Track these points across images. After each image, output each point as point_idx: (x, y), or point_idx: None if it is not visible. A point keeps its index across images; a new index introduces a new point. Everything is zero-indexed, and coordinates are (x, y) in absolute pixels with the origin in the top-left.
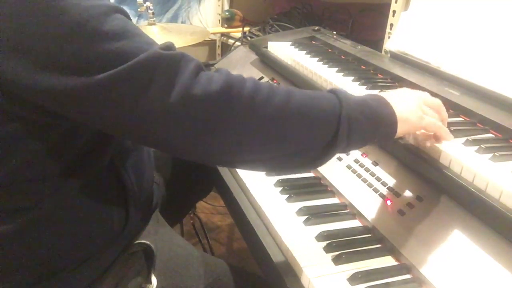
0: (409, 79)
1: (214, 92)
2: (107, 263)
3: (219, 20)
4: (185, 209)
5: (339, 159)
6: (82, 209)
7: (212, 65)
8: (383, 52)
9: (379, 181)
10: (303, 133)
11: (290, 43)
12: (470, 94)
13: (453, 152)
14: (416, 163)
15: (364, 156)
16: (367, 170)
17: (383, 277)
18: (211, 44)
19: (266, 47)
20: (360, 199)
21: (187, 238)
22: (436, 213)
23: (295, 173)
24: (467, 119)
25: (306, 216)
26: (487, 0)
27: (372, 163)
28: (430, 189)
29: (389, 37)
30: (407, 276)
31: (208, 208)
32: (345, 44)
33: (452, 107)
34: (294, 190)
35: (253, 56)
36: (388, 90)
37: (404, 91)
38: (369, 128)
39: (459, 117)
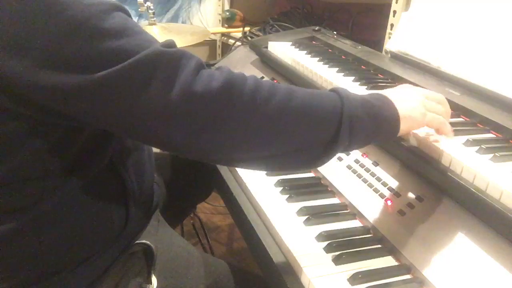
0: (410, 79)
1: (215, 90)
2: (107, 263)
3: (220, 20)
4: (186, 211)
5: (339, 159)
6: (82, 208)
7: (213, 65)
8: (383, 52)
9: (379, 181)
10: (304, 131)
11: (291, 43)
12: (471, 94)
13: (454, 152)
14: (416, 163)
15: (365, 156)
16: (367, 170)
17: (383, 277)
18: (211, 44)
19: (267, 47)
20: (361, 199)
21: (187, 238)
22: (436, 214)
23: (296, 172)
24: (468, 119)
25: (306, 216)
26: (487, 0)
27: (372, 163)
28: (430, 189)
29: (389, 37)
30: (407, 276)
31: (208, 208)
32: (346, 44)
33: (453, 107)
34: (294, 190)
35: (254, 56)
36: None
37: (405, 87)
38: (371, 126)
39: (459, 117)
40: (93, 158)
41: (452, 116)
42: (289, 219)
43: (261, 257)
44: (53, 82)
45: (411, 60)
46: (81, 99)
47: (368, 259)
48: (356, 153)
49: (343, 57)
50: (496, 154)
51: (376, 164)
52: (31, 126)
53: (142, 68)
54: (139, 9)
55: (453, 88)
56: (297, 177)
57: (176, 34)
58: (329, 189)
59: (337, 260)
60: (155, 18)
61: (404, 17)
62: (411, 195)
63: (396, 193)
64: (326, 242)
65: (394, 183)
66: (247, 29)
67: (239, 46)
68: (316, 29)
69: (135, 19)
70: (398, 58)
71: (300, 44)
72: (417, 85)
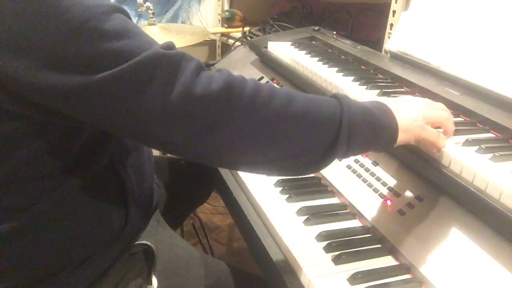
0: (409, 79)
1: (214, 92)
2: (107, 263)
3: (219, 20)
4: (185, 213)
5: (339, 159)
6: (82, 208)
7: (212, 65)
8: (383, 52)
9: (379, 181)
10: (303, 136)
11: (290, 43)
12: (470, 94)
13: (453, 152)
14: (416, 163)
15: (364, 156)
16: (367, 170)
17: (383, 277)
18: (211, 44)
19: (266, 47)
20: (360, 199)
21: (187, 238)
22: (436, 213)
23: (295, 176)
24: (467, 119)
25: (306, 216)
26: (487, 0)
27: (372, 163)
28: (430, 189)
29: (389, 37)
30: (407, 276)
31: (208, 208)
32: (345, 44)
33: (452, 107)
34: (294, 190)
35: (253, 56)
36: (388, 90)
37: (406, 98)
38: (369, 134)
39: (459, 117)
40: (92, 158)
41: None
42: (289, 219)
43: (261, 257)
44: (53, 83)
45: (411, 60)
46: (81, 100)
47: (368, 259)
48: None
49: (342, 57)
50: (495, 153)
51: (375, 164)
52: (31, 126)
53: (142, 70)
54: (139, 9)
55: (452, 88)
56: (297, 177)
57: (176, 34)
58: (329, 189)
59: (337, 260)
60: (154, 18)
61: (404, 17)
62: (410, 195)
63: (395, 193)
64: (326, 242)
65: (393, 183)
66: (246, 29)
67: (238, 46)
68: (316, 29)
69: (134, 19)
70: (398, 58)
71: (299, 44)
72: (416, 85)
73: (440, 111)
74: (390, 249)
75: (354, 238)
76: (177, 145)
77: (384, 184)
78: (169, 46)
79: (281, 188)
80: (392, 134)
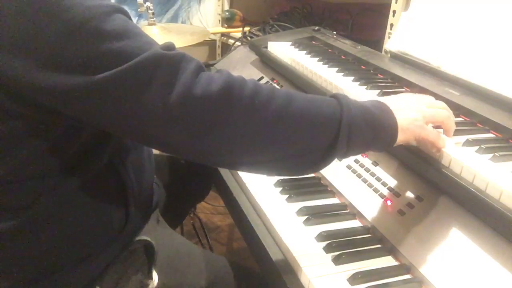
0: (409, 79)
1: (214, 93)
2: (108, 260)
3: (219, 20)
4: (184, 211)
5: (339, 159)
6: (81, 207)
7: (212, 65)
8: (383, 52)
9: (379, 181)
10: (302, 136)
11: (290, 43)
12: (470, 94)
13: (453, 152)
14: (416, 163)
15: (364, 156)
16: (367, 170)
17: (383, 277)
18: (211, 44)
19: (266, 47)
20: (360, 199)
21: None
22: (436, 213)
23: (295, 176)
24: (467, 119)
25: (306, 216)
26: (487, 0)
27: (372, 163)
28: (430, 189)
29: (389, 37)
30: (407, 276)
31: (208, 208)
32: (345, 44)
33: (452, 107)
34: (294, 190)
35: (253, 56)
36: (388, 90)
37: (407, 97)
38: (369, 134)
39: (459, 117)
40: (92, 157)
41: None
42: (289, 219)
43: (261, 257)
44: (53, 83)
45: (411, 60)
46: (81, 100)
47: (368, 259)
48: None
49: (342, 57)
50: (496, 154)
51: (375, 164)
52: (31, 125)
53: (142, 70)
54: (139, 9)
55: (453, 88)
56: (297, 177)
57: (176, 34)
58: (329, 189)
59: (337, 260)
60: (154, 18)
61: (404, 17)
62: (410, 195)
63: (395, 193)
64: (326, 242)
65: (393, 183)
66: (246, 29)
67: (238, 46)
68: (316, 29)
69: (134, 19)
70: (398, 58)
71: (299, 44)
72: (416, 85)
73: (441, 110)
74: (390, 249)
75: (354, 238)
76: (177, 145)
77: (384, 184)
78: (169, 46)
79: (281, 188)
80: (392, 134)
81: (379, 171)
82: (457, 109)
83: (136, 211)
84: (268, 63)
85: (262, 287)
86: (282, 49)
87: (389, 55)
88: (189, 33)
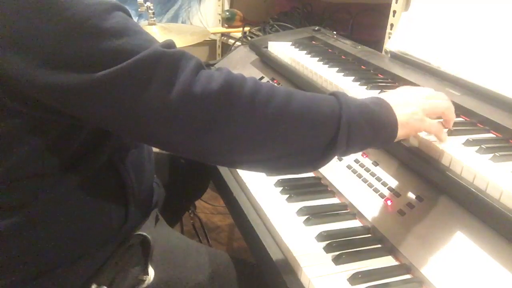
0: (409, 79)
1: (214, 90)
2: (105, 257)
3: (219, 20)
4: (183, 208)
5: (339, 159)
6: (81, 206)
7: (212, 65)
8: (383, 52)
9: (379, 181)
10: (302, 134)
11: (291, 43)
12: (471, 94)
13: (454, 152)
14: (416, 163)
15: (364, 156)
16: (367, 170)
17: (383, 277)
18: (211, 44)
19: (266, 47)
20: (360, 199)
21: None
22: (436, 213)
23: (294, 174)
24: (468, 119)
25: (306, 216)
26: (487, 0)
27: (372, 163)
28: (430, 189)
29: (389, 37)
30: (407, 276)
31: (208, 208)
32: (345, 44)
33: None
34: (294, 190)
35: (253, 56)
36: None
37: (406, 91)
38: (369, 132)
39: (459, 117)
40: (91, 156)
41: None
42: (289, 219)
43: (261, 257)
44: (53, 81)
45: (411, 60)
46: (81, 98)
47: (368, 259)
48: (356, 153)
49: (343, 57)
50: (496, 154)
51: (376, 164)
52: (30, 123)
53: (142, 68)
54: (139, 9)
55: (453, 88)
56: (297, 177)
57: (176, 34)
58: (329, 189)
59: (337, 260)
60: (155, 18)
61: (404, 17)
62: (411, 195)
63: (396, 193)
64: (326, 242)
65: (394, 183)
66: (247, 29)
67: (239, 46)
68: (316, 29)
69: (135, 19)
70: (398, 58)
71: (300, 44)
72: (417, 85)
73: (440, 101)
74: (390, 249)
75: (354, 238)
76: (176, 143)
77: (384, 184)
78: (169, 44)
79: (281, 188)
80: (391, 130)
81: (379, 171)
82: (457, 109)
83: (135, 210)
84: (268, 63)
85: (264, 281)
86: (282, 49)
87: (389, 55)
88: (189, 33)
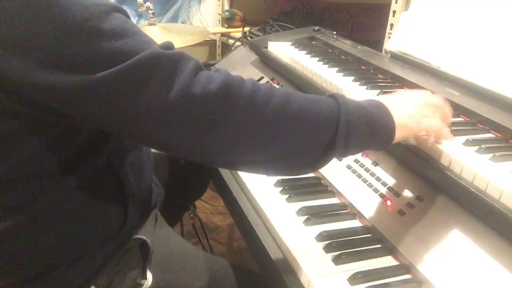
0: (409, 79)
1: (212, 92)
2: (104, 259)
3: (219, 20)
4: (182, 209)
5: (339, 159)
6: (80, 206)
7: (212, 65)
8: (383, 52)
9: (379, 181)
10: (301, 136)
11: (290, 43)
12: (470, 94)
13: (453, 152)
14: (416, 163)
15: (364, 156)
16: (367, 170)
17: (383, 277)
18: (211, 44)
19: (266, 47)
20: (360, 199)
21: (187, 238)
22: (436, 213)
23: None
24: (467, 119)
25: (306, 216)
26: (487, 0)
27: (372, 163)
28: (430, 189)
29: (389, 37)
30: (407, 276)
31: (208, 208)
32: (345, 44)
33: (453, 107)
34: (294, 190)
35: (253, 56)
36: (388, 90)
37: (403, 94)
38: (367, 133)
39: (459, 117)
40: (90, 157)
41: (452, 116)
42: (289, 219)
43: (261, 257)
44: (52, 82)
45: (411, 60)
46: (80, 99)
47: (368, 259)
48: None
49: (343, 57)
50: (496, 154)
51: (376, 164)
52: (30, 124)
53: (140, 69)
54: (139, 9)
55: (453, 88)
56: (297, 177)
57: (176, 34)
58: (329, 189)
59: (337, 260)
60: (154, 18)
61: (404, 17)
62: (410, 195)
63: (395, 193)
64: (326, 242)
65: (393, 183)
66: (247, 29)
67: (239, 46)
68: (316, 29)
69: (134, 19)
70: (398, 58)
71: (300, 44)
72: (416, 85)
73: (436, 113)
74: (390, 249)
75: (354, 238)
76: (175, 145)
77: (384, 184)
78: (168, 46)
79: (281, 188)
80: (389, 132)
81: (379, 171)
82: (457, 109)
83: (134, 211)
84: (268, 63)
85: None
86: (282, 49)
87: (389, 55)
88: (189, 33)
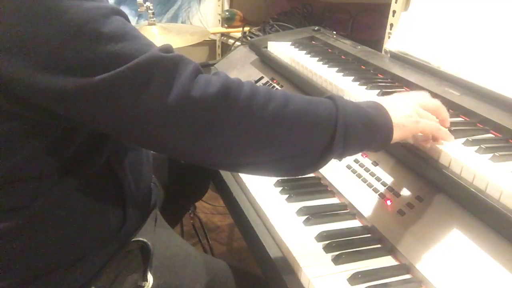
0: (409, 79)
1: (212, 95)
2: (104, 260)
3: (219, 20)
4: (183, 210)
5: (339, 159)
6: (79, 208)
7: (212, 65)
8: (383, 52)
9: (379, 181)
10: (299, 138)
11: (290, 43)
12: (470, 94)
13: (453, 152)
14: (416, 163)
15: (364, 156)
16: (367, 170)
17: (383, 277)
18: (211, 44)
19: (266, 47)
20: (360, 199)
21: (187, 238)
22: (436, 213)
23: (293, 177)
24: (467, 119)
25: (306, 216)
26: (487, 0)
27: (372, 163)
28: (430, 189)
29: (389, 37)
30: (407, 276)
31: (208, 208)
32: (345, 44)
33: (452, 107)
34: (294, 190)
35: (253, 56)
36: (388, 90)
37: (400, 95)
38: (365, 134)
39: (459, 117)
40: (89, 158)
41: (452, 116)
42: (288, 219)
43: (261, 257)
44: (51, 85)
45: (411, 60)
46: (79, 101)
47: (368, 259)
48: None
49: (342, 57)
50: (495, 154)
51: (375, 164)
52: (29, 126)
53: (140, 72)
54: (139, 9)
55: (453, 88)
56: (297, 177)
57: (176, 34)
58: (329, 189)
59: (337, 260)
60: (154, 18)
61: (404, 17)
62: (410, 195)
63: (395, 193)
64: (326, 242)
65: (393, 183)
66: (246, 29)
67: (238, 46)
68: (316, 29)
69: (134, 19)
70: (398, 58)
71: (299, 44)
72: (416, 85)
73: (433, 116)
74: (390, 249)
75: (354, 238)
76: (175, 147)
77: (384, 184)
78: (167, 49)
79: (281, 188)
80: (387, 132)
81: (379, 171)
82: (457, 109)
83: (133, 212)
84: (268, 63)
85: None
86: (282, 49)
87: (389, 55)
88: (189, 33)
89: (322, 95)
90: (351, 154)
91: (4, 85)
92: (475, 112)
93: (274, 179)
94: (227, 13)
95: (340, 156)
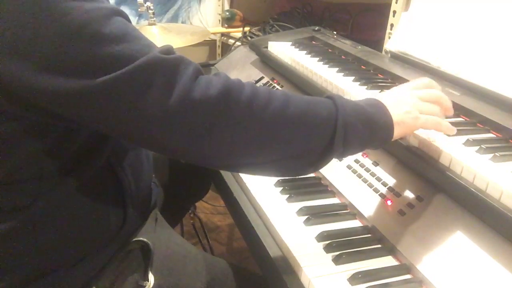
0: (409, 79)
1: (212, 96)
2: (104, 260)
3: (219, 20)
4: (184, 210)
5: (339, 159)
6: (79, 208)
7: (212, 65)
8: (383, 52)
9: (379, 181)
10: (300, 138)
11: (291, 43)
12: (471, 94)
13: (454, 152)
14: (416, 163)
15: (365, 156)
16: (367, 170)
17: (383, 277)
18: (211, 44)
19: (266, 47)
20: (360, 199)
21: (187, 238)
22: (436, 213)
23: (294, 177)
24: (468, 119)
25: (306, 216)
26: (487, 0)
27: (372, 163)
28: (430, 189)
29: (389, 37)
30: (407, 276)
31: (208, 208)
32: (345, 44)
33: (453, 107)
34: (294, 190)
35: (253, 56)
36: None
37: (399, 90)
38: (365, 133)
39: (459, 117)
40: (90, 158)
41: (452, 116)
42: (289, 219)
43: (261, 257)
44: (52, 86)
45: (411, 60)
46: (81, 103)
47: (368, 259)
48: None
49: (343, 57)
50: (496, 154)
51: (376, 164)
52: (29, 127)
53: (141, 74)
54: (139, 9)
55: (453, 88)
56: (297, 177)
57: (176, 34)
58: (329, 189)
59: (337, 260)
60: (155, 18)
61: (404, 17)
62: (411, 195)
63: (396, 193)
64: (326, 242)
65: (394, 183)
66: (247, 29)
67: (239, 46)
68: (316, 29)
69: (134, 19)
70: (398, 58)
71: (300, 44)
72: None
73: (434, 107)
74: (390, 249)
75: (354, 238)
76: (176, 148)
77: (384, 184)
78: (168, 50)
79: (281, 188)
80: (387, 129)
81: (379, 171)
82: (457, 109)
83: (134, 212)
84: (268, 63)
85: None
86: (282, 49)
87: (389, 55)
88: (189, 33)
89: (322, 96)
90: (351, 154)
91: (4, 86)
92: (476, 112)
93: (275, 179)
94: (227, 13)
95: (340, 156)
